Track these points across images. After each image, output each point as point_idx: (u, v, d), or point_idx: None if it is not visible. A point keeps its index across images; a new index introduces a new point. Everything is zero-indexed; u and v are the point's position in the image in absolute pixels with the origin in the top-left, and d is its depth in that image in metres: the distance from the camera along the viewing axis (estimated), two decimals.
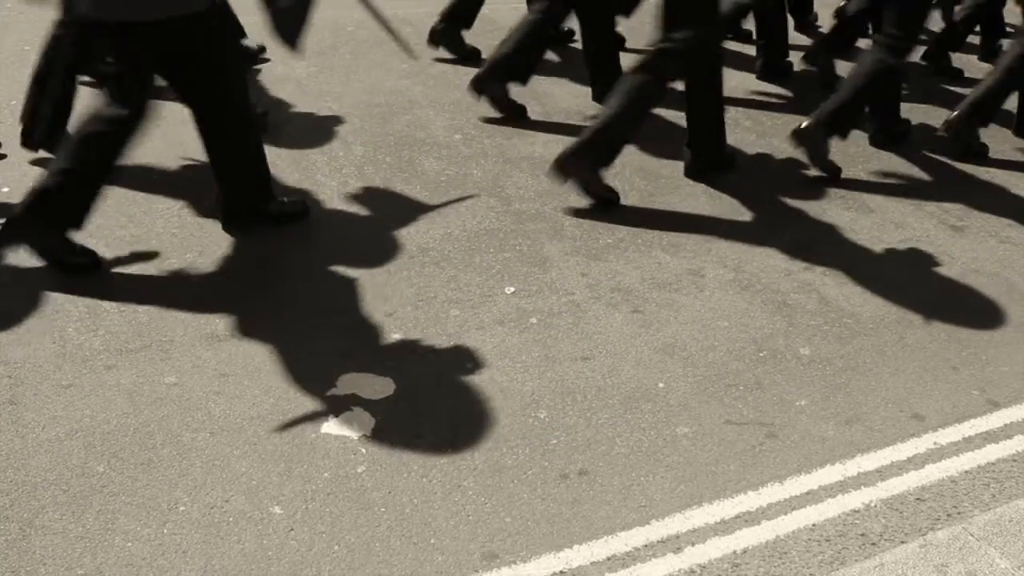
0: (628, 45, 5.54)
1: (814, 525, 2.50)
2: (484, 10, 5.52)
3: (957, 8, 5.95)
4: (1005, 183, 4.57)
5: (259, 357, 2.98)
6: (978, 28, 6.17)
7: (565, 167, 3.94)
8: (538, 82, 5.06)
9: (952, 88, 5.65)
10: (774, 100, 5.36)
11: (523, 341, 3.15)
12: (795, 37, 6.16)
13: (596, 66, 4.97)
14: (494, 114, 4.78)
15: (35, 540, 2.29)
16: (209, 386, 2.84)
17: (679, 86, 4.19)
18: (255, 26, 4.43)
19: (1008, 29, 6.13)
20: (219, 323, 3.12)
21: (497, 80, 4.75)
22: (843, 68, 5.03)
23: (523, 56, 4.72)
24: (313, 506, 2.45)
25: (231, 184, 3.58)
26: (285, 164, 4.17)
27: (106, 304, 3.17)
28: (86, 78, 4.20)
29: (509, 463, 2.64)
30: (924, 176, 4.59)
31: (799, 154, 4.45)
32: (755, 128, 4.97)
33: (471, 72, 4.90)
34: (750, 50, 5.82)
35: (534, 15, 4.79)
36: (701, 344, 3.21)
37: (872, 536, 2.47)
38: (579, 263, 3.62)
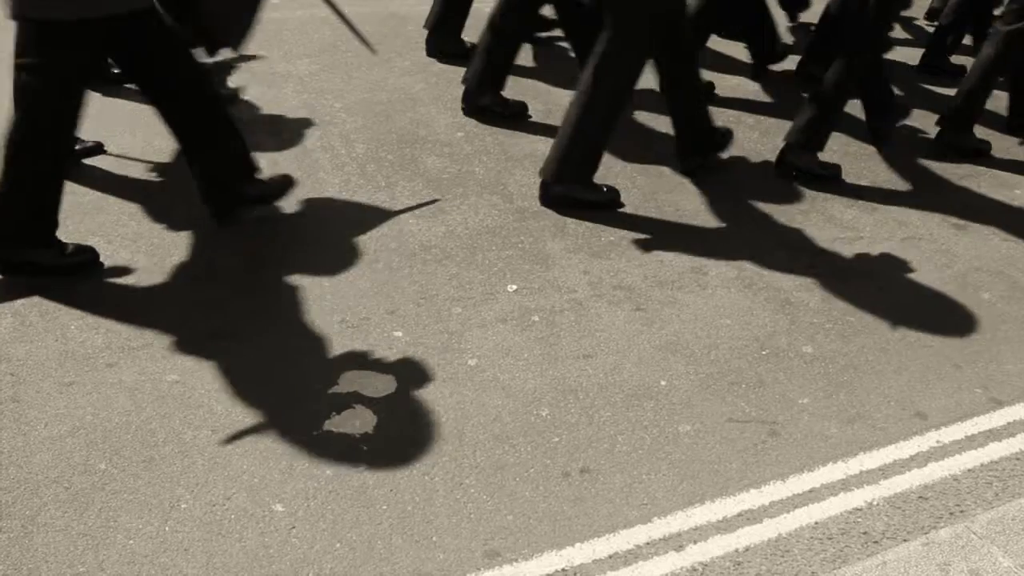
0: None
1: (816, 523, 2.50)
2: (477, 5, 5.47)
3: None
4: (1007, 181, 4.56)
5: (261, 355, 2.98)
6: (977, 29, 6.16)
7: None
8: (539, 81, 5.05)
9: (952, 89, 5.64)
10: (774, 100, 5.35)
11: (525, 339, 3.15)
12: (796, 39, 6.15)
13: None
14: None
15: (37, 537, 2.29)
16: (211, 384, 2.84)
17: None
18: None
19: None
20: (220, 321, 3.12)
21: (484, 92, 4.70)
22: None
23: (497, 61, 4.65)
24: (315, 504, 2.45)
25: (207, 173, 3.49)
26: (287, 162, 4.17)
27: (108, 302, 3.17)
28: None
29: (511, 461, 2.63)
30: (927, 174, 4.59)
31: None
32: (757, 127, 4.96)
33: None
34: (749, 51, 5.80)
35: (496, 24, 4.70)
36: (703, 342, 3.21)
37: (875, 534, 2.47)
38: (581, 261, 3.62)
